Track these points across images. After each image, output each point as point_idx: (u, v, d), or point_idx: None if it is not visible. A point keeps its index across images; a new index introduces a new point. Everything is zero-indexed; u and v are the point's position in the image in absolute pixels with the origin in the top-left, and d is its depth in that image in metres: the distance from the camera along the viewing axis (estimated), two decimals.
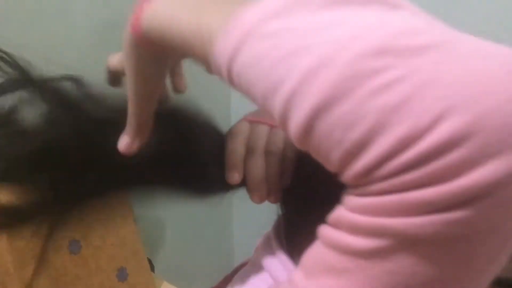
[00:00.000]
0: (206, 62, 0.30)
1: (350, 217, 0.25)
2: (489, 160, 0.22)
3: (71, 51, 0.89)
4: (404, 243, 0.24)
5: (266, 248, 0.44)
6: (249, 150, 0.42)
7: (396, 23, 0.24)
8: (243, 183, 0.43)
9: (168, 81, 0.45)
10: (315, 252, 0.28)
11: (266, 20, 0.26)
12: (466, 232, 0.23)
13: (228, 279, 0.49)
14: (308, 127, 0.25)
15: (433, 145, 0.22)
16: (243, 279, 0.44)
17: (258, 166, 0.42)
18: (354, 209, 0.25)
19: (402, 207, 0.23)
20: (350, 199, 0.26)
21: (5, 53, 0.45)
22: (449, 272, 0.24)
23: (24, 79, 0.47)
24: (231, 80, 0.29)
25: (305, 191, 0.42)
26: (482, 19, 0.90)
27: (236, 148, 0.42)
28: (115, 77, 0.48)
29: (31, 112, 0.48)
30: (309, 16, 0.25)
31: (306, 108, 0.24)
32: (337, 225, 0.27)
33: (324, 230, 0.27)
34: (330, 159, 0.25)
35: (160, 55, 0.38)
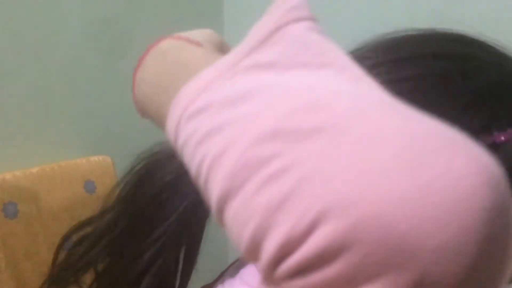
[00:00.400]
0: None
1: None
2: (369, 281, 0.18)
3: (62, 48, 0.88)
4: None
5: None
6: None
7: (301, 95, 0.22)
8: None
9: None
10: None
11: (195, 97, 0.25)
12: None
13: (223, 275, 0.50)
14: (219, 218, 0.23)
15: (309, 255, 0.19)
16: (233, 274, 0.44)
17: None
18: None
19: None
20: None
21: None
22: None
23: None
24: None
25: None
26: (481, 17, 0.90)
27: None
28: None
29: None
30: (230, 85, 0.24)
31: (214, 200, 0.23)
32: None
33: None
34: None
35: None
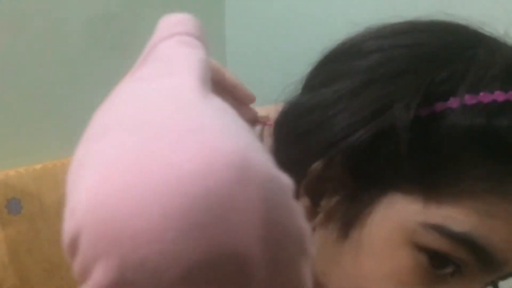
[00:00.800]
0: None
1: None
2: (91, 270, 0.18)
3: (64, 46, 0.89)
4: None
5: None
6: None
7: (126, 105, 0.24)
8: None
9: None
10: None
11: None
12: None
13: None
14: None
15: (67, 245, 0.20)
16: None
17: None
18: None
19: None
20: None
21: None
22: None
23: None
24: None
25: None
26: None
27: None
28: None
29: None
30: (114, 96, 0.27)
31: None
32: None
33: None
34: None
35: None
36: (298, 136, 0.35)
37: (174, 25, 0.31)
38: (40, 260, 0.81)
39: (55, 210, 0.83)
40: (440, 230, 0.29)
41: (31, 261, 0.80)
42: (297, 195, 0.34)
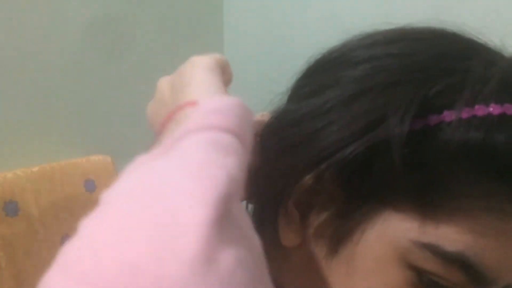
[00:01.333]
0: None
1: None
2: None
3: (63, 48, 0.89)
4: None
5: None
6: None
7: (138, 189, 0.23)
8: None
9: None
10: None
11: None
12: None
13: None
14: None
15: None
16: None
17: None
18: None
19: None
20: None
21: None
22: None
23: None
24: None
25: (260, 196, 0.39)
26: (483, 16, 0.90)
27: None
28: None
29: None
30: (131, 176, 0.26)
31: None
32: None
33: None
34: None
35: None
36: (285, 148, 0.34)
37: (212, 112, 0.27)
38: (37, 262, 0.80)
39: (53, 212, 0.83)
40: (433, 249, 0.29)
41: (28, 263, 0.80)
42: (285, 209, 0.33)
